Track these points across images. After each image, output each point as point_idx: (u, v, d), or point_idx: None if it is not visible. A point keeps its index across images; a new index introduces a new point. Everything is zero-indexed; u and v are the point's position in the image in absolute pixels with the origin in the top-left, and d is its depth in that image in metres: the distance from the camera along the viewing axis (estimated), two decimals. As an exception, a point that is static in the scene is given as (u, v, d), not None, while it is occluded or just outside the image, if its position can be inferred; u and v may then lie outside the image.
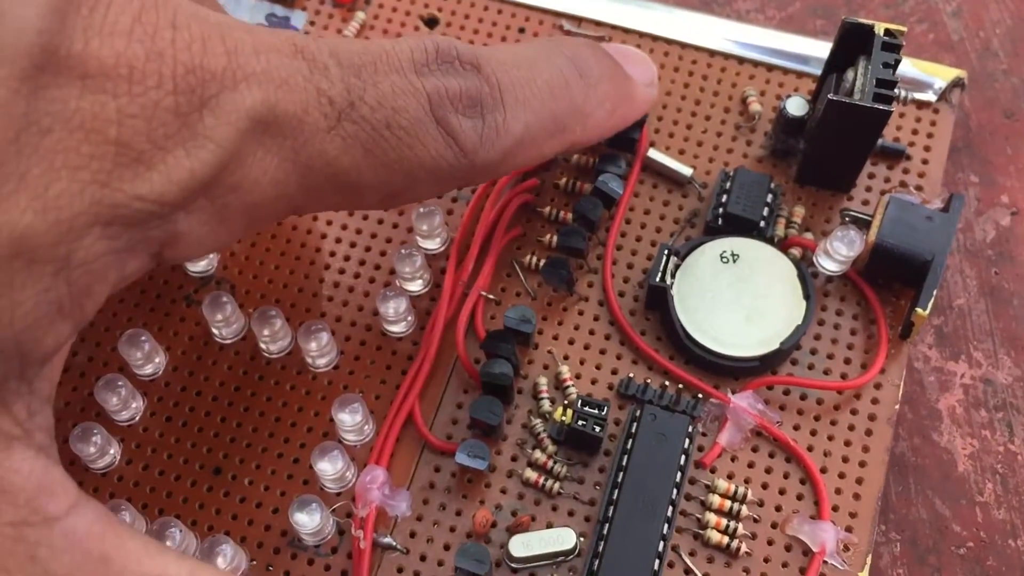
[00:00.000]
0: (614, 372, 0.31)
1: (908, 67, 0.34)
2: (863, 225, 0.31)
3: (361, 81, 0.24)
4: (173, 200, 0.21)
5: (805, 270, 0.31)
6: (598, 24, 0.36)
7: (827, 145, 0.31)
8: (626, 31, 0.36)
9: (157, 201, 0.21)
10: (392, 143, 0.24)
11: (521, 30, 0.36)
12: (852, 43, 0.30)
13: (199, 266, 0.32)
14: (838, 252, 0.30)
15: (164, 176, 0.21)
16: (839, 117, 0.29)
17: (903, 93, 0.33)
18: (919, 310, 0.29)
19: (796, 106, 0.32)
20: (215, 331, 0.31)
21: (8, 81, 0.19)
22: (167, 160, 0.21)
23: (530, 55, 0.28)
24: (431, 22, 0.36)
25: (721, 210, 0.31)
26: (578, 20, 0.36)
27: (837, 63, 0.31)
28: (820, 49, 0.35)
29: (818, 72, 0.34)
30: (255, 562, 0.28)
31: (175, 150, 0.21)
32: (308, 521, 0.27)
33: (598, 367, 0.31)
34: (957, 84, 0.34)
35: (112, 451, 0.29)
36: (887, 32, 0.29)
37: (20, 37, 0.19)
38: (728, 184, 0.32)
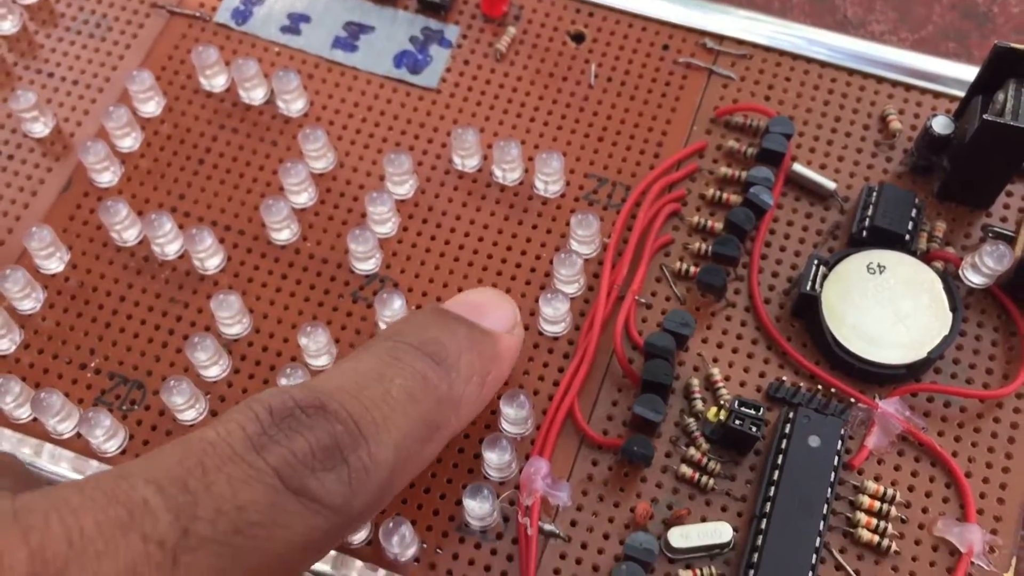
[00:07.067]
0: (761, 375, 0.32)
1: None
2: (1006, 240, 0.32)
3: (190, 495, 0.20)
4: None
5: (952, 282, 0.32)
6: (740, 42, 0.37)
7: (974, 163, 0.32)
8: (767, 49, 0.37)
9: None
10: (248, 546, 0.21)
11: (665, 47, 0.37)
12: (1002, 66, 0.31)
13: (367, 264, 0.33)
14: (986, 265, 0.31)
15: None
16: (991, 137, 0.30)
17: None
18: (1066, 324, 0.30)
19: (942, 125, 0.33)
20: (382, 327, 0.33)
21: None
22: None
23: (374, 368, 0.25)
24: (578, 37, 0.38)
25: (867, 223, 0.33)
26: (720, 38, 0.37)
27: (984, 85, 0.32)
28: (956, 70, 0.36)
29: (956, 93, 0.36)
30: (425, 544, 0.30)
31: None
32: (479, 508, 0.29)
33: (746, 370, 0.32)
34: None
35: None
36: (1039, 56, 0.31)
37: None
38: (874, 198, 0.33)
